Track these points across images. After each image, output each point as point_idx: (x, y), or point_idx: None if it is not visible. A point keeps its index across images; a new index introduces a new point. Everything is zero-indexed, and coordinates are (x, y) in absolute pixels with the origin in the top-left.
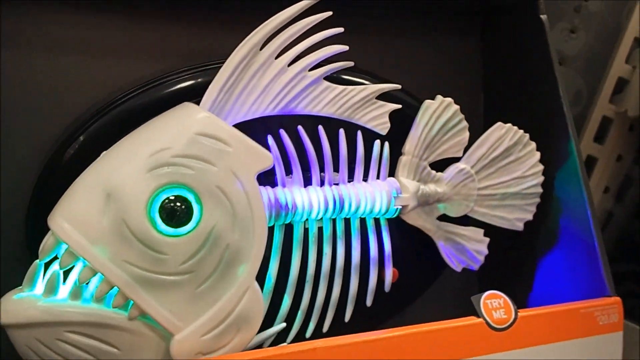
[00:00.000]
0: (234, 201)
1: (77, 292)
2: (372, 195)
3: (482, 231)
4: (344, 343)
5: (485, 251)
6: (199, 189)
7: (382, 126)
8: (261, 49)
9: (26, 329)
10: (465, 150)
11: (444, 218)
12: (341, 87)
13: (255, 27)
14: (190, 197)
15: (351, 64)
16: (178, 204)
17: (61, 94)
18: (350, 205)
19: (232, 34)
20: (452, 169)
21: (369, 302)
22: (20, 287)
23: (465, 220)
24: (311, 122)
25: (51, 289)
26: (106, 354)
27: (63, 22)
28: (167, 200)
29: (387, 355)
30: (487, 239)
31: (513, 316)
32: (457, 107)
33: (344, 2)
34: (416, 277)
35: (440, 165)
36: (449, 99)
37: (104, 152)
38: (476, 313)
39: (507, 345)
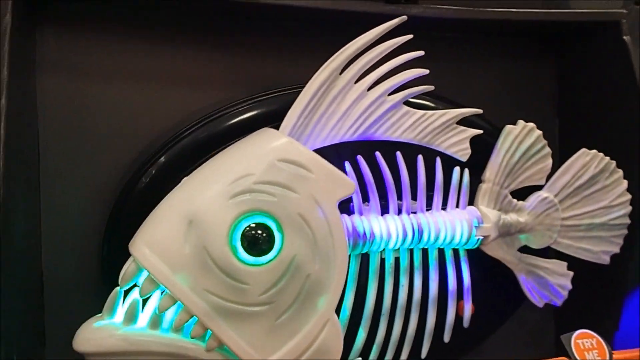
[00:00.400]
0: (315, 230)
1: (156, 321)
2: (453, 224)
3: (565, 264)
4: None
5: (569, 286)
6: (281, 217)
7: (463, 152)
8: (341, 73)
9: (106, 357)
10: (548, 177)
11: (524, 250)
12: (421, 112)
13: (319, 56)
14: (272, 225)
15: (431, 87)
16: (259, 231)
17: (130, 124)
18: (429, 235)
19: (294, 62)
20: (535, 198)
21: (446, 338)
22: (100, 314)
23: (545, 253)
24: (386, 148)
25: (131, 317)
26: None
27: (129, 51)
28: (248, 228)
29: None
30: (571, 273)
31: (608, 357)
32: (539, 132)
33: (420, 25)
34: (492, 312)
35: (520, 194)
36: (532, 124)
37: (185, 179)
38: (565, 353)
39: None
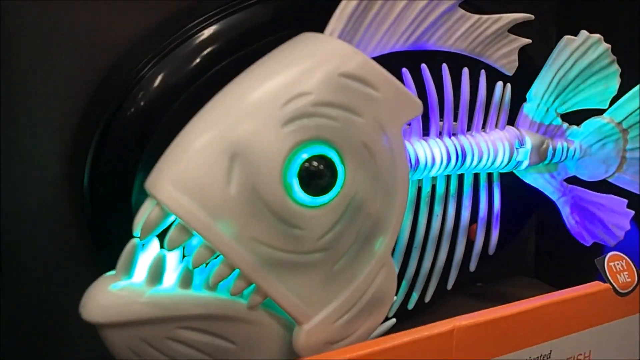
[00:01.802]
0: (379, 161)
1: (186, 279)
2: (495, 147)
3: (624, 202)
4: (481, 321)
5: (627, 227)
6: (344, 147)
7: (511, 65)
8: None
9: (130, 328)
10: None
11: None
12: (476, 17)
13: None
14: (334, 157)
15: None
16: (321, 165)
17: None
18: (472, 160)
19: None
20: (592, 123)
21: (472, 267)
22: (113, 273)
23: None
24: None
25: (156, 276)
26: (220, 350)
27: None
28: (307, 162)
29: (521, 329)
30: (632, 212)
31: (637, 279)
32: (607, 46)
33: None
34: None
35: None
36: (597, 35)
37: (215, 98)
38: (600, 277)
39: (631, 310)
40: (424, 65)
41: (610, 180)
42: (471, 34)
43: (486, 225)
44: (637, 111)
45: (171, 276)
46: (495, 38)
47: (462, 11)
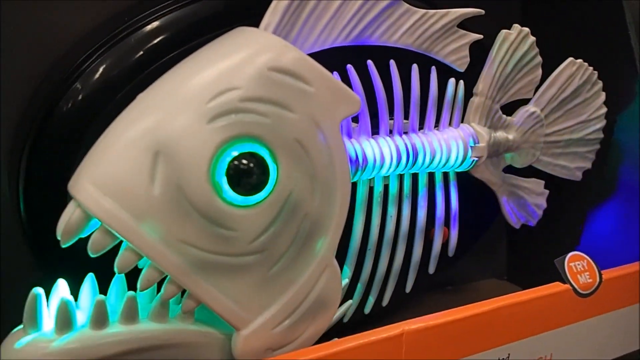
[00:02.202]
0: (315, 158)
1: (102, 316)
2: (448, 145)
3: (542, 183)
4: (432, 325)
5: (544, 205)
6: (275, 143)
7: (462, 61)
8: None
9: None
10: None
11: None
12: (422, 11)
13: None
14: (265, 155)
15: None
16: (250, 163)
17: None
18: (424, 158)
19: None
20: (522, 113)
21: (431, 269)
22: (21, 327)
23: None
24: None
25: (64, 322)
26: None
27: None
28: (236, 159)
29: (476, 332)
30: (547, 192)
31: (598, 279)
32: (533, 39)
33: None
34: (462, 236)
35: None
36: (527, 29)
37: (141, 95)
38: (560, 278)
39: (593, 311)
40: (369, 62)
41: (535, 165)
42: (417, 29)
43: (445, 225)
44: (554, 97)
45: (83, 317)
46: (443, 33)
47: (406, 6)
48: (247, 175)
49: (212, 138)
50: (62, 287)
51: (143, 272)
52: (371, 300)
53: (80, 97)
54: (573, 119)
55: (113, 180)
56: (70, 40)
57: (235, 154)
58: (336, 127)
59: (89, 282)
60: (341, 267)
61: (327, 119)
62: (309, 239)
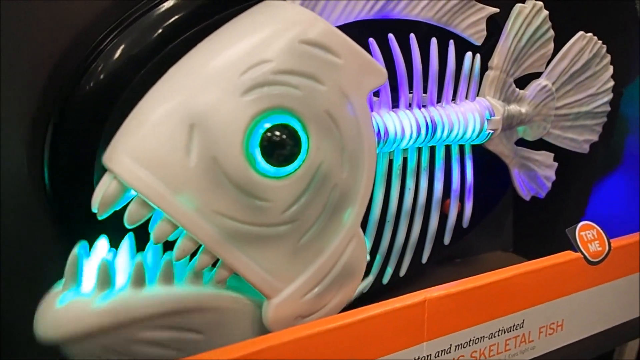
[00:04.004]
0: (344, 130)
1: (138, 278)
2: (465, 118)
3: (551, 155)
4: (453, 292)
5: (553, 177)
6: (307, 115)
7: (478, 35)
8: None
9: (87, 340)
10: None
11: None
12: None
13: None
14: (297, 127)
15: None
16: (283, 135)
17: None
18: (442, 131)
19: None
20: (535, 86)
21: (447, 240)
22: (61, 287)
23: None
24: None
25: (104, 281)
26: (188, 342)
27: None
28: (269, 132)
29: (493, 300)
30: (556, 164)
31: (607, 247)
32: (546, 12)
33: None
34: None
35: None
36: (540, 3)
37: (172, 69)
38: (571, 247)
39: (601, 279)
40: (391, 36)
41: (545, 138)
42: (437, 3)
43: (459, 198)
44: (565, 70)
45: (122, 278)
46: (462, 7)
47: None
48: (280, 147)
49: (246, 110)
50: (101, 247)
51: (178, 242)
52: (389, 270)
53: (101, 77)
54: (582, 92)
55: (149, 152)
56: (88, 18)
57: (267, 125)
58: (364, 99)
59: (127, 244)
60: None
61: (355, 90)
62: (337, 210)
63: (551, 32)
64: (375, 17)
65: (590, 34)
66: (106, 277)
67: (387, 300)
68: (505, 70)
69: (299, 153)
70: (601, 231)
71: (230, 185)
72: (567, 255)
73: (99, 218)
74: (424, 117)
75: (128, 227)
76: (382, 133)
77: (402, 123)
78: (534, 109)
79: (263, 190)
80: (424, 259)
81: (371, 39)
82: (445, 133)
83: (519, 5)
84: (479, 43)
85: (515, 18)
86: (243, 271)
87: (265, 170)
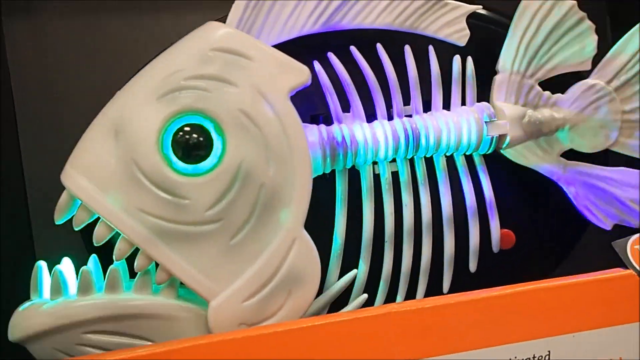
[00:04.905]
0: (264, 128)
1: (86, 285)
2: (457, 124)
3: (637, 172)
4: (444, 303)
5: None
6: (219, 115)
7: (459, 34)
8: None
9: (39, 340)
10: (596, 62)
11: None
12: None
13: None
14: (209, 126)
15: None
16: (194, 135)
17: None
18: (427, 139)
19: None
20: (577, 88)
21: (472, 267)
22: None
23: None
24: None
25: (57, 288)
26: None
27: None
28: (180, 131)
29: (503, 315)
30: None
31: None
32: (572, 3)
33: None
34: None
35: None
36: None
37: (119, 91)
38: (622, 263)
39: None
40: (352, 48)
41: (614, 149)
42: (397, 7)
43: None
44: (627, 67)
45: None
46: (429, 8)
47: None
48: (191, 145)
49: (158, 113)
50: (65, 263)
51: (117, 243)
52: (399, 299)
53: None
54: None
55: (85, 160)
56: None
57: (179, 126)
58: (284, 98)
59: (92, 262)
60: (357, 261)
61: (272, 89)
62: (269, 210)
63: (587, 24)
64: (323, 30)
65: None
66: (58, 285)
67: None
68: (519, 72)
69: (211, 150)
70: None
71: (150, 184)
72: (613, 271)
73: (56, 223)
74: (403, 125)
75: (75, 229)
76: (348, 142)
77: (374, 132)
78: (578, 113)
79: (181, 187)
80: (445, 288)
81: (329, 54)
82: (432, 141)
83: (523, 1)
84: (462, 43)
85: (520, 14)
86: (175, 270)
87: (181, 169)
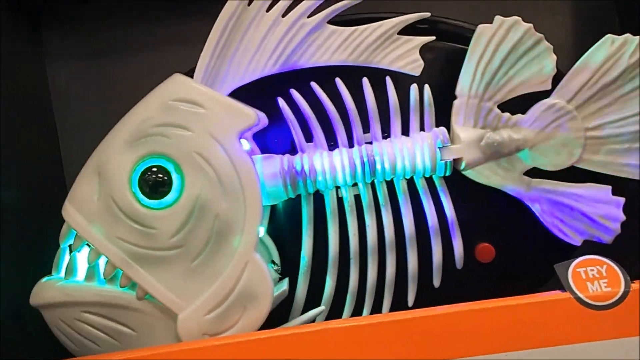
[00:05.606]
0: (217, 167)
1: (92, 274)
2: (411, 149)
3: (608, 188)
4: (374, 322)
5: (620, 216)
6: (177, 157)
7: (412, 65)
8: (249, 4)
9: (50, 309)
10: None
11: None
12: (351, 29)
13: None
14: (169, 167)
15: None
16: (155, 174)
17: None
18: (383, 165)
19: None
20: (537, 108)
21: (436, 282)
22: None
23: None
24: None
25: (70, 271)
26: (122, 335)
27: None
28: (145, 172)
29: (429, 337)
30: (620, 199)
31: (622, 289)
32: (527, 25)
33: None
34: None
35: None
36: (514, 18)
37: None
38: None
39: (611, 331)
40: (313, 83)
41: (579, 165)
42: (350, 45)
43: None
44: (588, 84)
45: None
46: (382, 43)
47: (332, 27)
48: (153, 183)
49: (129, 157)
50: (84, 251)
51: (105, 265)
52: (365, 312)
53: None
54: (631, 107)
55: (77, 197)
56: None
57: (145, 167)
58: (234, 139)
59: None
60: (324, 278)
61: (223, 133)
62: (224, 237)
63: (545, 45)
64: (283, 71)
65: (626, 35)
66: (71, 267)
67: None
68: (477, 96)
69: (171, 188)
70: (615, 267)
71: (124, 217)
72: (551, 294)
73: (63, 247)
74: (360, 152)
75: (73, 252)
76: (307, 171)
77: (331, 160)
78: (538, 132)
79: (149, 220)
80: (410, 302)
81: (291, 90)
82: (387, 166)
83: (480, 25)
84: (416, 73)
85: (476, 39)
86: (149, 288)
87: (148, 204)
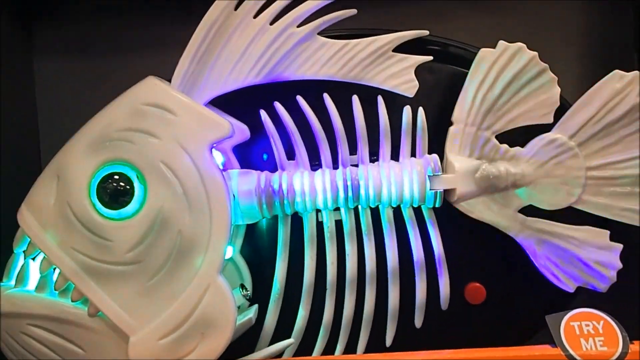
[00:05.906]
0: (183, 178)
1: (44, 284)
2: (399, 176)
3: (606, 233)
4: None
5: (617, 264)
6: (141, 165)
7: (406, 85)
8: (236, 8)
9: None
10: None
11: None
12: (342, 42)
13: None
14: (132, 175)
15: (353, 11)
16: (116, 182)
17: None
18: (367, 190)
19: None
20: (537, 142)
21: (417, 323)
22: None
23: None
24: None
25: (21, 279)
26: (70, 353)
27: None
28: (105, 179)
29: None
30: (618, 246)
31: (620, 349)
32: (532, 53)
33: None
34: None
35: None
36: (519, 44)
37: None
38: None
39: None
40: (299, 97)
41: (578, 207)
42: (340, 59)
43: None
44: (592, 120)
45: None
46: (375, 60)
47: (323, 39)
48: (114, 192)
49: (90, 161)
50: (39, 257)
51: (56, 276)
52: (339, 348)
53: None
54: (636, 148)
55: (34, 200)
56: None
57: (106, 174)
58: (204, 151)
59: None
60: (297, 307)
61: (193, 142)
62: (186, 255)
63: (549, 75)
64: (267, 82)
65: (634, 72)
66: (22, 275)
67: None
68: (474, 124)
69: (132, 198)
70: (613, 323)
71: (80, 225)
72: (541, 348)
73: (17, 252)
74: (343, 175)
75: (26, 258)
76: (284, 191)
77: (312, 181)
78: (537, 168)
79: (106, 230)
80: (388, 342)
81: (276, 103)
82: (372, 193)
83: (482, 50)
84: (410, 94)
85: (477, 65)
86: (101, 305)
87: (106, 213)
